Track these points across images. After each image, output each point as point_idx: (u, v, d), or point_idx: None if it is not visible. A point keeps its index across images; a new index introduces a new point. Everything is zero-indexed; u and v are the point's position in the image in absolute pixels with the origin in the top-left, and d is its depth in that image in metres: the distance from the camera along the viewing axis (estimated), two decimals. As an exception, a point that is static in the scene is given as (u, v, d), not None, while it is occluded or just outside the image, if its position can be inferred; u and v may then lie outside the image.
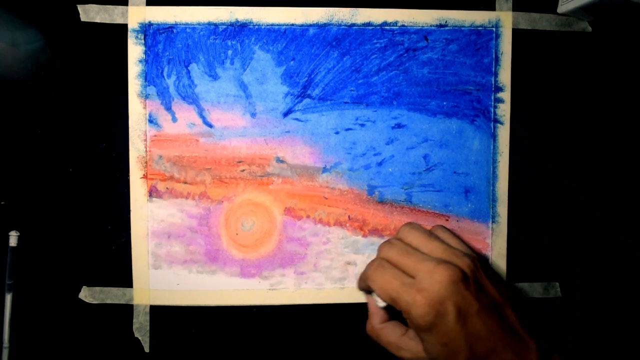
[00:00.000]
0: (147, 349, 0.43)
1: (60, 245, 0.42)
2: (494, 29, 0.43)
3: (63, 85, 0.42)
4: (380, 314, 0.37)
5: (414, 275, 0.33)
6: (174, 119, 0.42)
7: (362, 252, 0.43)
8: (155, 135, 0.42)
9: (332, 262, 0.43)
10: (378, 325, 0.37)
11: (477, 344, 0.32)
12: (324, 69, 0.43)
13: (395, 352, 0.36)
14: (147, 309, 0.43)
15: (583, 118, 0.44)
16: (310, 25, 0.43)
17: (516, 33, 0.43)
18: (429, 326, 0.32)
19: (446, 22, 0.43)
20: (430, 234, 0.36)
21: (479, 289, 0.33)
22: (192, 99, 0.42)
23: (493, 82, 0.43)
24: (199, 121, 0.42)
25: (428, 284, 0.32)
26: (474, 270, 0.34)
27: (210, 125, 0.42)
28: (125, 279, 0.42)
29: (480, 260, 0.35)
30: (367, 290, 0.37)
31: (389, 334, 0.37)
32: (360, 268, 0.43)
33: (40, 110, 0.42)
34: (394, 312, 0.36)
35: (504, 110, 0.44)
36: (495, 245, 0.44)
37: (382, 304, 0.35)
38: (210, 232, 0.43)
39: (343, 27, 0.43)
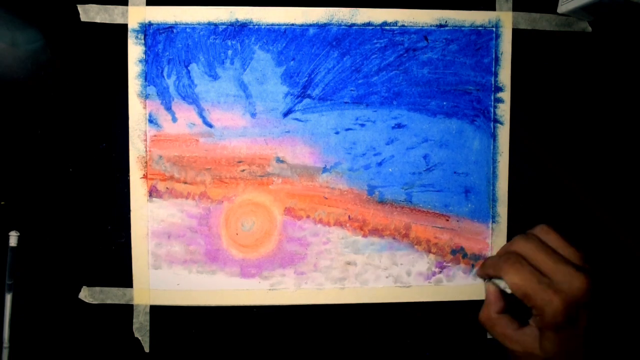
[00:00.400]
0: (147, 349, 0.43)
1: (60, 245, 0.42)
2: (494, 29, 0.43)
3: (63, 85, 0.42)
4: (499, 304, 0.38)
5: (550, 275, 0.34)
6: (174, 119, 0.42)
7: (362, 252, 0.43)
8: (155, 135, 0.42)
9: (332, 262, 0.43)
10: (495, 314, 0.38)
11: (580, 356, 0.34)
12: (324, 69, 0.43)
13: (508, 343, 0.36)
14: (147, 309, 0.43)
15: (583, 118, 0.44)
16: (310, 25, 0.43)
17: (516, 33, 0.43)
18: (557, 327, 0.33)
19: (446, 22, 0.43)
20: (565, 239, 0.37)
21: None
22: (192, 99, 0.42)
23: (493, 82, 0.43)
24: (199, 121, 0.42)
25: (567, 287, 0.34)
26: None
27: (210, 125, 0.42)
28: (125, 279, 0.42)
29: None
30: (488, 277, 0.38)
31: (506, 325, 0.37)
32: (360, 268, 0.43)
33: (40, 110, 0.42)
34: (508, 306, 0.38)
35: (504, 110, 0.44)
36: (495, 245, 0.44)
37: (509, 291, 0.36)
38: (210, 232, 0.43)
39: (343, 27, 0.43)
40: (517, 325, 0.37)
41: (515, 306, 0.38)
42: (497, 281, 0.38)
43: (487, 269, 0.38)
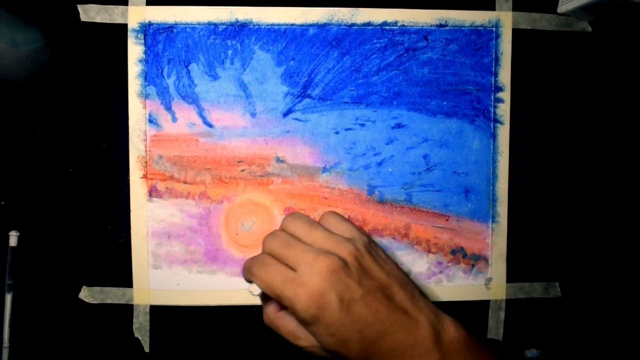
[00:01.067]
0: (147, 349, 0.43)
1: (60, 245, 0.42)
2: (494, 29, 0.43)
3: (63, 85, 0.42)
4: (275, 302, 0.36)
5: (295, 268, 0.33)
6: (174, 119, 0.42)
7: (362, 252, 0.43)
8: (155, 135, 0.42)
9: (332, 262, 0.43)
10: (274, 314, 0.36)
11: (365, 329, 0.32)
12: (324, 69, 0.43)
13: (293, 341, 0.35)
14: (147, 309, 0.43)
15: (583, 118, 0.44)
16: (310, 25, 0.43)
17: (516, 33, 0.43)
18: (313, 319, 0.32)
19: (446, 22, 0.43)
20: (313, 222, 0.36)
21: (363, 274, 0.33)
22: (192, 98, 0.42)
23: (493, 82, 0.43)
24: (199, 121, 0.42)
25: (308, 278, 0.32)
26: (357, 256, 0.34)
27: (210, 125, 0.42)
28: (125, 279, 0.42)
29: (365, 242, 0.35)
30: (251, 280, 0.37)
31: (287, 323, 0.35)
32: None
33: (40, 110, 0.42)
34: None
35: (504, 110, 0.44)
36: (495, 245, 0.44)
37: (257, 291, 0.35)
38: (210, 232, 0.43)
39: (343, 27, 0.43)
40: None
41: None
42: (254, 285, 0.36)
43: (245, 273, 0.37)
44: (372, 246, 0.36)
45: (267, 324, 0.37)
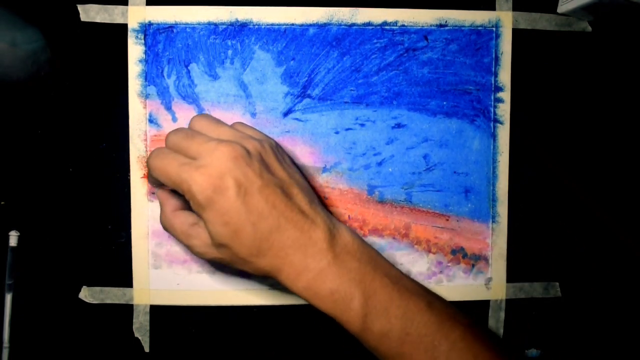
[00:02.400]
0: (147, 349, 0.43)
1: (60, 245, 0.42)
2: (494, 28, 0.43)
3: (63, 85, 0.42)
4: (172, 202, 0.36)
5: (196, 157, 0.33)
6: (174, 119, 0.42)
7: (362, 252, 0.43)
8: (155, 135, 0.42)
9: (332, 262, 0.43)
10: (171, 212, 0.36)
11: (260, 222, 0.32)
12: (324, 69, 0.43)
13: (186, 240, 0.35)
14: (147, 309, 0.43)
15: (583, 118, 0.44)
16: (310, 25, 0.43)
17: (516, 33, 0.43)
18: (208, 202, 0.32)
19: (446, 22, 0.43)
20: (220, 121, 0.36)
21: (265, 168, 0.33)
22: (192, 98, 0.42)
23: (493, 82, 0.43)
24: (199, 121, 0.42)
25: (208, 161, 0.32)
26: (261, 151, 0.34)
27: (210, 125, 0.42)
28: (125, 278, 0.42)
29: (272, 144, 0.35)
30: (156, 185, 0.37)
31: (182, 221, 0.35)
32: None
33: (40, 110, 0.42)
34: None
35: (504, 110, 0.44)
36: (495, 245, 0.44)
37: (156, 190, 0.36)
38: (210, 232, 0.43)
39: (343, 27, 0.43)
40: (194, 220, 0.35)
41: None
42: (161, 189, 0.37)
43: (149, 176, 0.36)
44: (278, 149, 0.36)
45: (163, 224, 0.36)
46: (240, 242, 0.32)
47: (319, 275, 0.33)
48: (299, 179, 0.36)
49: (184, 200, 0.35)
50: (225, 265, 0.35)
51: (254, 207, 0.32)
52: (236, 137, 0.34)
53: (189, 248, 0.35)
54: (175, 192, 0.37)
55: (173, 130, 0.36)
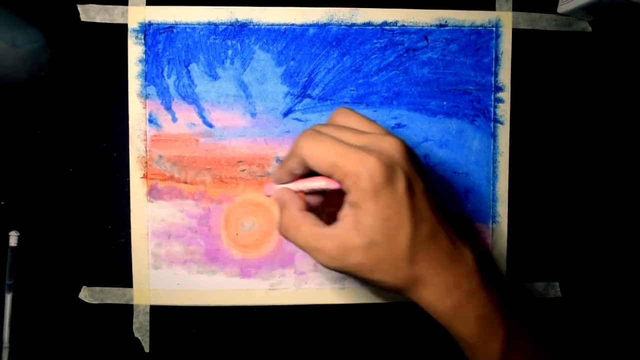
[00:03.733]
0: (147, 349, 0.43)
1: (60, 245, 0.42)
2: (494, 29, 0.43)
3: (63, 85, 0.42)
4: (298, 202, 0.32)
5: (361, 145, 0.30)
6: (174, 119, 0.42)
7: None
8: (155, 135, 0.42)
9: (332, 262, 0.43)
10: (298, 212, 0.32)
11: (421, 224, 0.30)
12: (324, 69, 0.43)
13: (317, 242, 0.30)
14: (147, 309, 0.43)
15: (583, 118, 0.44)
16: (310, 25, 0.43)
17: (516, 33, 0.43)
18: (376, 191, 0.28)
19: (446, 22, 0.43)
20: (368, 119, 0.33)
21: (421, 172, 0.31)
22: (192, 98, 0.42)
23: (493, 82, 0.43)
24: (199, 121, 0.42)
25: (379, 148, 0.29)
26: (414, 154, 0.31)
27: (210, 125, 0.42)
28: (125, 279, 0.42)
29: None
30: (287, 178, 0.33)
31: (312, 222, 0.31)
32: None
33: (40, 110, 0.42)
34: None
35: (504, 110, 0.44)
36: (495, 245, 0.44)
37: (270, 191, 0.32)
38: (210, 232, 0.43)
39: (343, 27, 0.43)
40: (325, 224, 0.31)
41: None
42: (292, 184, 0.33)
43: (284, 165, 0.32)
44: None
45: (286, 225, 0.32)
46: (396, 242, 0.29)
47: (469, 297, 0.31)
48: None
49: (307, 203, 0.33)
50: (350, 275, 0.31)
51: (418, 208, 0.30)
52: (388, 132, 0.32)
53: (317, 252, 0.30)
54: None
55: (319, 124, 0.32)
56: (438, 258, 0.30)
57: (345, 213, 0.30)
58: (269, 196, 0.35)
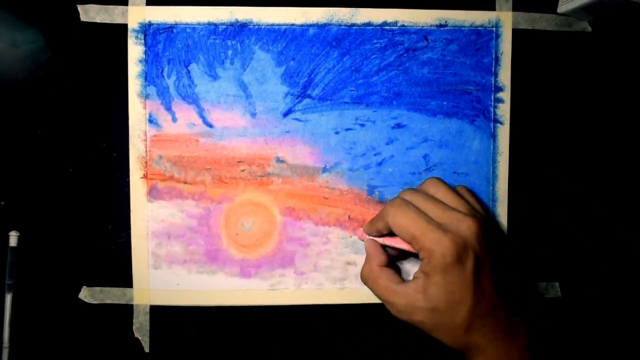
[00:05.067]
0: (147, 349, 0.43)
1: (60, 245, 0.42)
2: (494, 29, 0.43)
3: (63, 85, 0.42)
4: (380, 257, 0.38)
5: (437, 220, 0.34)
6: (174, 119, 0.42)
7: (362, 252, 0.43)
8: (155, 135, 0.42)
9: (332, 262, 0.43)
10: (377, 267, 0.37)
11: (483, 301, 0.33)
12: (324, 69, 0.43)
13: (390, 297, 0.36)
14: (147, 309, 0.43)
15: (583, 118, 0.44)
16: (310, 25, 0.43)
17: (516, 33, 0.43)
18: (446, 267, 0.33)
19: (446, 22, 0.43)
20: (456, 191, 0.37)
21: (490, 252, 0.35)
22: (192, 99, 0.42)
23: (493, 82, 0.43)
24: (199, 121, 0.42)
25: (456, 229, 0.33)
26: (488, 234, 0.35)
27: (210, 125, 0.42)
28: (125, 279, 0.42)
29: None
30: (375, 234, 0.38)
31: (388, 277, 0.36)
32: (360, 268, 0.43)
33: (40, 110, 0.42)
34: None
35: (504, 110, 0.44)
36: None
37: (393, 244, 0.36)
38: (210, 232, 0.43)
39: (343, 27, 0.43)
40: (399, 279, 0.36)
41: (395, 267, 0.39)
42: (380, 239, 0.38)
43: (374, 223, 0.38)
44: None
45: (367, 274, 0.38)
46: (456, 312, 0.33)
47: None
48: None
49: (388, 257, 0.38)
50: (418, 327, 0.35)
51: (482, 287, 0.34)
52: (471, 212, 0.35)
53: (389, 304, 0.36)
54: (383, 248, 0.39)
55: (409, 189, 0.37)
56: (493, 331, 0.34)
57: (417, 276, 0.35)
58: (362, 239, 0.41)
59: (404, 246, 0.37)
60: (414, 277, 0.35)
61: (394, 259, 0.41)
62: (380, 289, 0.36)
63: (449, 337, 0.35)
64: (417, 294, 0.34)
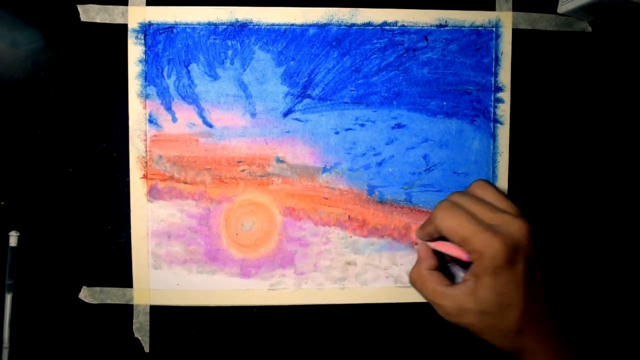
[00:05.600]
0: (147, 349, 0.43)
1: (60, 245, 0.42)
2: (494, 29, 0.43)
3: (63, 85, 0.42)
4: (430, 261, 0.37)
5: (487, 222, 0.33)
6: (174, 119, 0.42)
7: (362, 252, 0.43)
8: (155, 135, 0.42)
9: (332, 262, 0.43)
10: (426, 271, 0.37)
11: (533, 304, 0.33)
12: (324, 69, 0.43)
13: (438, 299, 0.35)
14: (147, 309, 0.43)
15: (583, 118, 0.44)
16: (310, 25, 0.43)
17: (516, 33, 0.43)
18: (497, 269, 0.32)
19: (446, 22, 0.43)
20: (504, 193, 0.37)
21: (540, 255, 0.34)
22: (192, 99, 0.42)
23: (493, 82, 0.43)
24: (199, 121, 0.42)
25: (506, 230, 0.33)
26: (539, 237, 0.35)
27: (210, 125, 0.42)
28: (125, 279, 0.42)
29: None
30: (426, 238, 0.38)
31: (437, 281, 0.36)
32: (360, 268, 0.43)
33: (40, 110, 0.42)
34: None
35: (504, 110, 0.44)
36: (495, 245, 0.44)
37: (443, 249, 0.36)
38: (210, 232, 0.43)
39: (343, 27, 0.43)
40: (448, 282, 0.36)
41: (445, 270, 0.38)
42: (432, 243, 0.37)
43: (424, 227, 0.37)
44: None
45: (415, 278, 0.37)
46: (507, 315, 0.33)
47: None
48: None
49: (439, 262, 0.38)
50: (467, 328, 0.35)
51: (533, 290, 0.33)
52: (521, 214, 0.35)
53: (437, 307, 0.35)
54: (435, 253, 0.38)
55: (457, 192, 0.36)
56: (544, 335, 0.34)
57: (467, 278, 0.34)
58: (416, 244, 0.41)
59: (454, 252, 0.36)
60: (464, 280, 0.35)
61: (447, 264, 0.40)
62: (429, 292, 0.36)
63: (499, 340, 0.34)
64: (467, 296, 0.34)
